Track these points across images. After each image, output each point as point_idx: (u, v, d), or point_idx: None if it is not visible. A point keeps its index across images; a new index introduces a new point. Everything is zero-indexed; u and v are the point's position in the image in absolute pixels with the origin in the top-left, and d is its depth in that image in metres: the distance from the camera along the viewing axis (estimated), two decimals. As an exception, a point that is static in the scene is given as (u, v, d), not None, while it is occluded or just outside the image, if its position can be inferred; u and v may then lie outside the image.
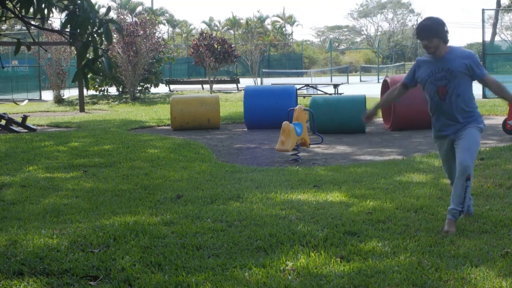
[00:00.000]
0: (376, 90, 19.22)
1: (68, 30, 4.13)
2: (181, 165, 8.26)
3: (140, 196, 6.34)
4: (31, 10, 4.07)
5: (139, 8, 76.20)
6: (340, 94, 20.57)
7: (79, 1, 4.00)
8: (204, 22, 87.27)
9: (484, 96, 21.88)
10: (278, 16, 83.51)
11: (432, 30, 4.88)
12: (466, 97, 5.02)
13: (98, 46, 4.07)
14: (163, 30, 77.35)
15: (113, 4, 75.92)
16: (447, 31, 4.96)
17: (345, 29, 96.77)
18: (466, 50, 5.10)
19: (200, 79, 35.23)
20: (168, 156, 9.04)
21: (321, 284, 3.72)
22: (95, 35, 4.05)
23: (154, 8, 76.59)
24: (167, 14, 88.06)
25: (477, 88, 28.19)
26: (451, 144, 5.04)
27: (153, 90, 28.11)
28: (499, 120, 13.71)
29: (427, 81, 5.04)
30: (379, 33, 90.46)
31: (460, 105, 4.98)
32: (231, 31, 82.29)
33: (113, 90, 27.16)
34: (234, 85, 31.56)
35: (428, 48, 4.94)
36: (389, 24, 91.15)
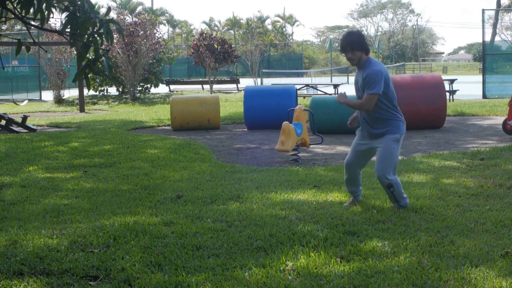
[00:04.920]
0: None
1: (68, 30, 4.14)
2: (181, 165, 8.26)
3: (140, 196, 6.34)
4: (31, 10, 4.07)
5: (139, 8, 76.23)
6: (340, 94, 20.54)
7: (79, 2, 4.00)
8: (204, 22, 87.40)
9: (484, 96, 21.90)
10: (278, 16, 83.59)
11: (354, 43, 5.28)
12: (382, 110, 5.36)
13: (99, 46, 4.07)
14: (163, 30, 77.45)
15: (113, 4, 76.05)
16: (367, 44, 5.39)
17: (345, 29, 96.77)
18: (373, 68, 5.31)
19: (200, 79, 35.28)
20: (168, 156, 9.04)
21: (321, 284, 3.72)
22: (95, 35, 4.05)
23: (154, 8, 76.59)
24: (167, 14, 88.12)
25: (477, 89, 27.97)
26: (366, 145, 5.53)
27: (153, 90, 28.13)
28: (499, 120, 13.72)
29: (354, 89, 5.53)
30: (379, 33, 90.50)
31: (376, 116, 5.37)
32: (231, 31, 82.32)
33: (113, 90, 27.17)
34: (234, 85, 31.59)
35: (352, 60, 5.35)
36: (389, 24, 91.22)
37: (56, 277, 3.92)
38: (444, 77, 22.39)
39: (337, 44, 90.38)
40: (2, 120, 13.45)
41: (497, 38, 43.16)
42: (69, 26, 4.06)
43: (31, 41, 4.86)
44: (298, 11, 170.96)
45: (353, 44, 5.27)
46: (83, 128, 13.78)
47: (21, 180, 7.34)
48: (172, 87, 32.10)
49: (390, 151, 5.35)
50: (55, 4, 4.20)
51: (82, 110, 19.71)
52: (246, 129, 13.39)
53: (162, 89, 30.24)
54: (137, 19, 25.59)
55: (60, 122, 15.49)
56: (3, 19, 4.32)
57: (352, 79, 43.61)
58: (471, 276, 3.80)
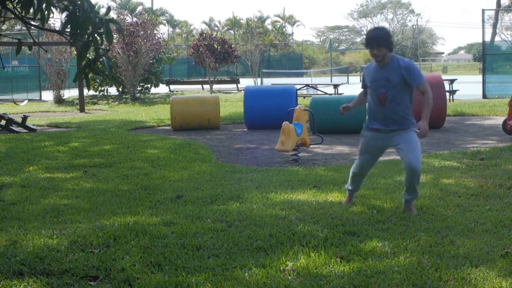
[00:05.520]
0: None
1: (68, 30, 4.13)
2: (181, 165, 8.26)
3: (140, 196, 6.34)
4: (31, 10, 4.07)
5: (139, 8, 76.28)
6: (340, 94, 20.57)
7: (79, 2, 4.00)
8: (204, 22, 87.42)
9: (484, 96, 21.89)
10: (278, 16, 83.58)
11: (381, 40, 5.17)
12: (402, 104, 5.31)
13: (99, 46, 4.07)
14: (163, 31, 77.41)
15: (113, 4, 76.08)
16: (392, 41, 5.29)
17: (345, 29, 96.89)
18: (405, 60, 5.33)
19: (200, 79, 35.28)
20: (168, 156, 9.04)
21: (321, 284, 3.72)
22: (95, 35, 4.05)
23: (154, 8, 76.62)
24: (167, 14, 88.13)
25: (477, 89, 27.92)
26: (383, 141, 5.45)
27: (153, 90, 28.13)
28: (499, 120, 13.72)
29: (370, 87, 5.42)
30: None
31: (397, 111, 5.31)
32: (231, 31, 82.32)
33: (113, 90, 27.16)
34: (234, 85, 31.59)
35: (377, 57, 5.22)
36: (389, 24, 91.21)
37: (56, 277, 3.92)
38: (444, 77, 22.37)
39: (337, 44, 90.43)
40: (2, 120, 13.45)
41: (497, 38, 43.14)
42: (69, 26, 4.05)
43: (31, 41, 4.86)
44: (298, 11, 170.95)
45: (381, 40, 5.15)
46: (83, 128, 13.78)
47: (21, 180, 7.34)
48: (172, 87, 32.09)
49: (417, 141, 5.35)
50: (55, 4, 4.19)
51: (82, 110, 19.71)
52: (246, 129, 13.39)
53: (162, 89, 30.24)
54: (137, 19, 25.59)
55: (60, 122, 15.50)
56: (3, 19, 4.32)
57: (352, 79, 43.62)
58: (471, 276, 3.80)
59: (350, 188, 5.79)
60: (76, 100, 22.74)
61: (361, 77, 5.64)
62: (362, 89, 5.69)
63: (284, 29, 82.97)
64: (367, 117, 5.57)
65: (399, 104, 5.27)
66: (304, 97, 20.97)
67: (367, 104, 5.56)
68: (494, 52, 24.65)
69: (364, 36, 5.34)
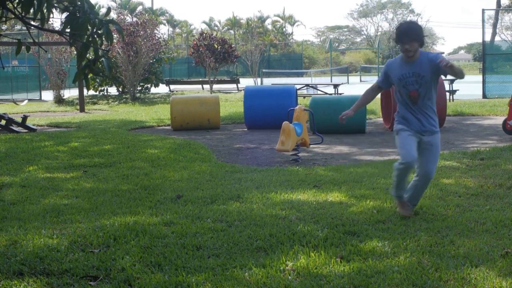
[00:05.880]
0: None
1: (68, 30, 4.14)
2: (181, 165, 8.26)
3: (140, 196, 6.34)
4: (31, 10, 4.07)
5: (139, 8, 76.24)
6: (340, 94, 20.57)
7: (79, 2, 4.00)
8: (204, 22, 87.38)
9: (484, 96, 21.90)
10: (278, 16, 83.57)
11: (414, 34, 4.95)
12: (433, 100, 5.16)
13: (99, 46, 4.07)
14: (163, 31, 77.43)
15: (113, 4, 76.07)
16: (424, 35, 5.08)
17: (345, 29, 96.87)
18: (433, 53, 5.19)
19: (200, 79, 35.27)
20: (168, 156, 9.04)
21: (321, 284, 3.72)
22: (95, 36, 4.05)
23: (154, 8, 76.59)
24: (167, 14, 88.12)
25: (477, 89, 27.94)
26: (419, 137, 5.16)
27: (153, 90, 28.13)
28: (499, 120, 13.72)
29: (399, 84, 5.14)
30: (379, 33, 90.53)
31: (429, 108, 5.13)
32: (231, 31, 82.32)
33: (113, 90, 27.17)
34: (234, 85, 31.58)
35: (408, 52, 4.99)
36: (389, 24, 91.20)
37: (56, 277, 3.92)
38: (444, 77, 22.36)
39: (337, 44, 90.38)
40: (2, 120, 13.45)
41: (497, 38, 43.11)
42: (69, 26, 4.06)
43: (31, 41, 4.86)
44: (298, 11, 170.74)
45: (414, 35, 4.90)
46: (83, 128, 13.78)
47: (21, 180, 7.34)
48: (172, 87, 32.09)
49: (439, 151, 5.23)
50: (55, 4, 4.20)
51: (82, 110, 19.71)
52: (246, 129, 13.39)
53: (162, 89, 30.24)
54: (137, 19, 25.58)
55: (60, 122, 15.50)
56: (3, 19, 4.32)
57: (352, 79, 43.60)
58: (471, 276, 3.80)
59: (400, 194, 5.27)
60: (76, 100, 22.74)
61: (382, 73, 5.30)
62: (374, 87, 5.41)
63: (284, 29, 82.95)
64: (396, 115, 5.29)
65: (430, 99, 5.09)
66: (304, 97, 20.97)
67: (397, 103, 5.25)
68: (494, 52, 24.65)
69: (395, 31, 5.06)
